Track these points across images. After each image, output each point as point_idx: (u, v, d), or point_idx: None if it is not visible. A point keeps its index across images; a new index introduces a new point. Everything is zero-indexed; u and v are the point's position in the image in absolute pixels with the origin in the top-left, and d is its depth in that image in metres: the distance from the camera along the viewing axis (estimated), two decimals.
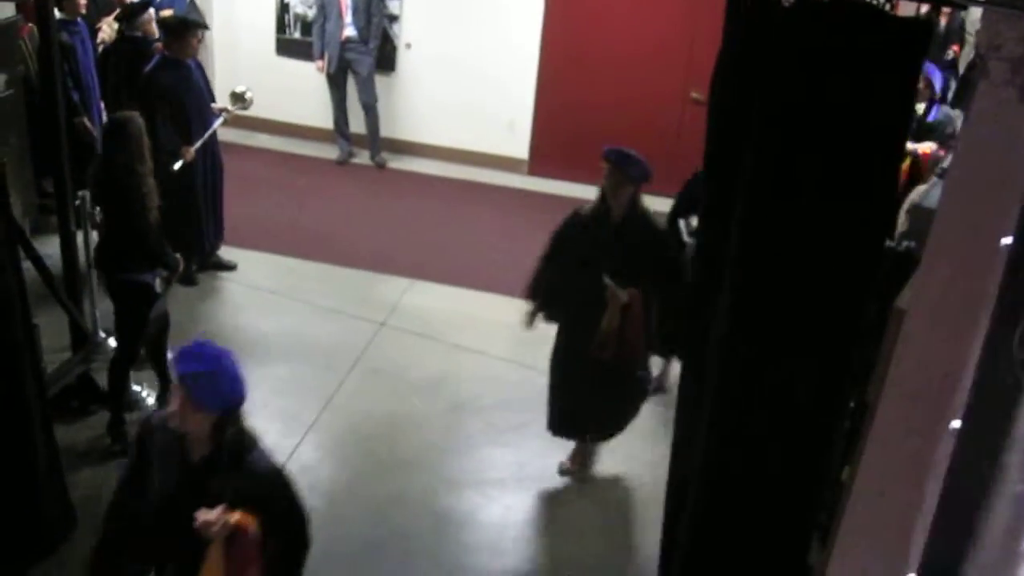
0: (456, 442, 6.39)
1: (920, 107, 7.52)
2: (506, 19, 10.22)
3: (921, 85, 7.60)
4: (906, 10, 4.77)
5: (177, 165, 7.08)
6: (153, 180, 5.64)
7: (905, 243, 4.22)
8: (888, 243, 3.95)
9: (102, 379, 6.31)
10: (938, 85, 7.61)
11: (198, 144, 7.26)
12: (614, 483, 6.18)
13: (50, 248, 6.61)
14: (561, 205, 10.13)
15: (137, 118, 5.63)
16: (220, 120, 7.61)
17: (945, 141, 7.02)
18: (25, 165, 7.86)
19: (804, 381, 3.41)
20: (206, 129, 7.38)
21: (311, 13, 10.53)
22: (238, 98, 7.77)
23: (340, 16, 10.05)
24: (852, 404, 3.79)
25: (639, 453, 6.26)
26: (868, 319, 3.29)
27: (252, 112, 8.50)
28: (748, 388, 3.48)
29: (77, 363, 6.28)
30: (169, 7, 9.60)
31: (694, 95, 9.76)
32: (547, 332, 7.71)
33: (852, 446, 3.54)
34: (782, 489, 3.65)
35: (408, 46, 10.59)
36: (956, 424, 2.82)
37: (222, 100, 7.94)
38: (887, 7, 3.02)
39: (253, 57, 10.76)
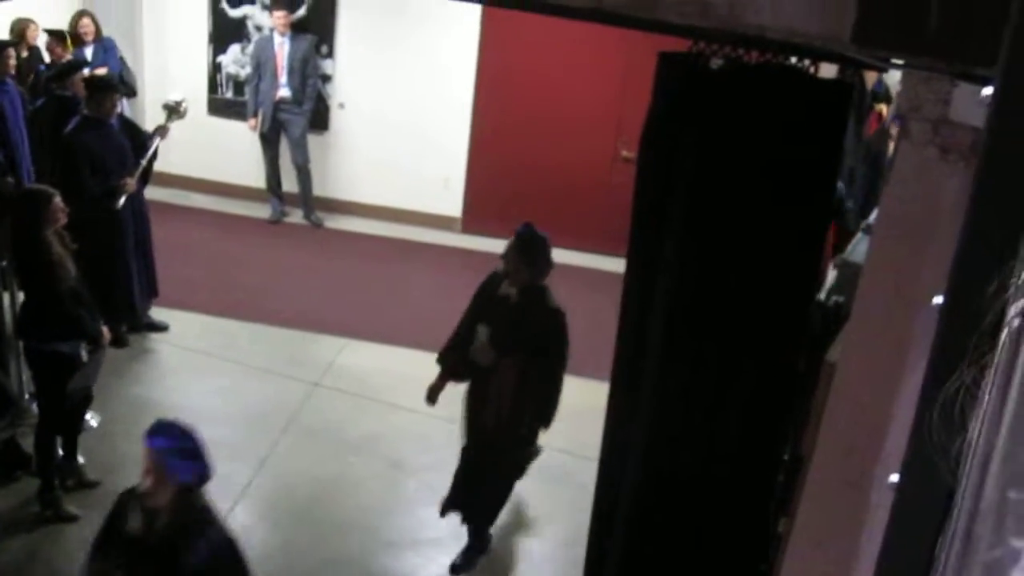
0: (393, 502, 6.34)
1: None
2: (439, 78, 10.32)
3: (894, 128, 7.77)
4: (829, 72, 4.93)
5: (121, 200, 7.02)
6: (63, 249, 5.56)
7: (834, 298, 4.31)
8: (817, 297, 4.03)
9: (28, 444, 6.17)
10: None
11: (137, 172, 7.20)
12: (554, 539, 6.16)
13: None
14: (494, 262, 10.23)
15: (49, 194, 5.59)
16: (158, 140, 7.56)
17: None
18: None
19: (735, 434, 3.45)
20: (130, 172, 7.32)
21: (243, 73, 10.54)
22: (173, 110, 7.73)
23: (275, 76, 10.07)
24: (786, 456, 3.83)
25: (577, 507, 6.25)
26: (799, 372, 3.35)
27: (183, 171, 8.46)
28: (678, 440, 3.51)
29: (2, 428, 6.13)
30: (103, 66, 9.57)
31: (624, 154, 9.92)
32: None
33: (788, 498, 3.58)
34: (714, 539, 3.67)
35: (341, 106, 10.64)
36: (894, 478, 2.87)
37: (152, 124, 7.88)
38: (811, 70, 3.11)
39: (187, 119, 10.69)
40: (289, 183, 10.59)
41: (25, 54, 8.78)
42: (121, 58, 9.80)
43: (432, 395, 5.74)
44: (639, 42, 7.56)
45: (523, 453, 5.77)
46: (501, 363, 5.32)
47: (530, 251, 5.43)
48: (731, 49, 3.07)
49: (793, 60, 3.15)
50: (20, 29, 8.88)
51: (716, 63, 3.10)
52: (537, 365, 5.38)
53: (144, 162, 7.31)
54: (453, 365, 5.64)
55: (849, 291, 4.00)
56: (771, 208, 3.06)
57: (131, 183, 7.15)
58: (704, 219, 3.13)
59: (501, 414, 5.41)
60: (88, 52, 9.65)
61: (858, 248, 5.03)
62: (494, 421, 5.44)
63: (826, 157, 3.08)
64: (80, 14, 9.67)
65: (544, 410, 5.55)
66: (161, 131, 7.64)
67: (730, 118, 3.01)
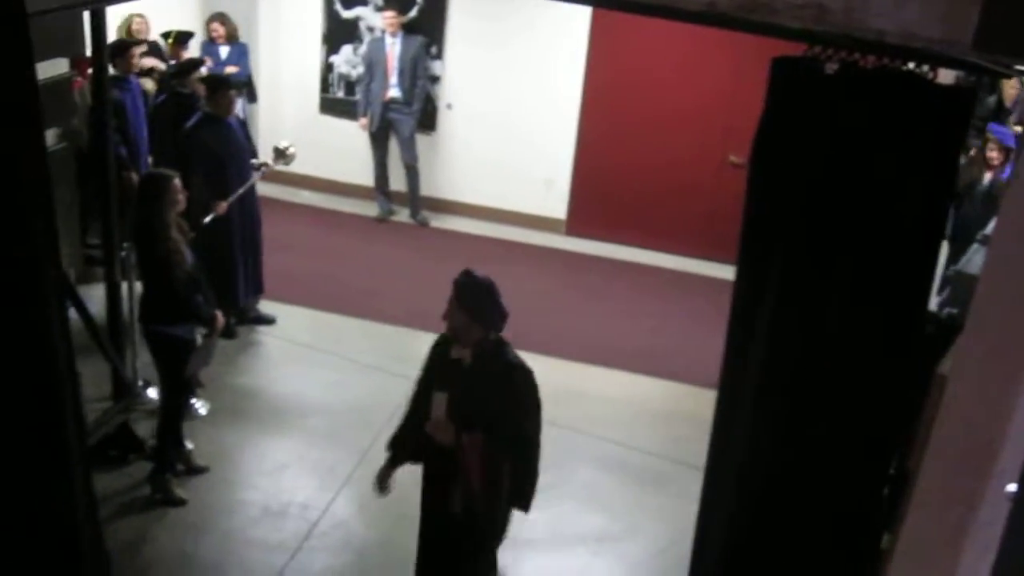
0: None
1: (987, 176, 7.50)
2: (546, 80, 10.35)
3: (995, 152, 7.57)
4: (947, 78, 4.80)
5: (208, 218, 7.20)
6: (180, 237, 5.72)
7: (947, 309, 4.21)
8: (930, 310, 3.93)
9: (140, 429, 6.39)
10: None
11: (232, 198, 7.37)
12: (649, 545, 6.12)
13: (94, 298, 6.72)
14: (597, 265, 10.26)
15: (168, 176, 5.75)
16: (258, 175, 7.74)
17: None
18: (73, 216, 8.02)
19: (843, 448, 3.39)
20: (244, 184, 7.50)
21: (354, 73, 10.74)
22: (280, 154, 7.90)
23: (385, 77, 10.23)
24: (892, 471, 3.76)
25: (672, 514, 6.21)
26: (909, 385, 3.27)
27: (294, 168, 8.64)
28: (784, 451, 3.47)
29: (117, 412, 6.35)
30: (235, 65, 9.90)
31: (732, 159, 9.81)
32: (581, 391, 7.75)
33: (893, 514, 3.50)
34: (818, 556, 3.62)
35: (449, 106, 10.74)
36: (1012, 488, 2.79)
37: (265, 156, 8.08)
38: (929, 75, 3.04)
39: (297, 115, 10.97)
40: (396, 182, 10.74)
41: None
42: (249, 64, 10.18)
43: (382, 482, 4.90)
44: (749, 45, 7.47)
45: (495, 537, 4.89)
46: (464, 439, 4.45)
47: (475, 303, 4.67)
48: (847, 54, 3.02)
49: (911, 65, 3.08)
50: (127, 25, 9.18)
51: (831, 68, 3.06)
52: (507, 435, 4.51)
53: (242, 190, 7.47)
54: (409, 449, 4.84)
55: (963, 303, 3.90)
56: (884, 216, 3.00)
57: (223, 206, 7.32)
58: (815, 227, 3.09)
59: (471, 499, 4.54)
60: (223, 52, 10.01)
61: (973, 259, 4.91)
62: (463, 507, 4.59)
63: (942, 165, 3.01)
64: (212, 17, 10.04)
65: (522, 487, 4.66)
66: (265, 168, 7.83)
67: (845, 124, 2.96)
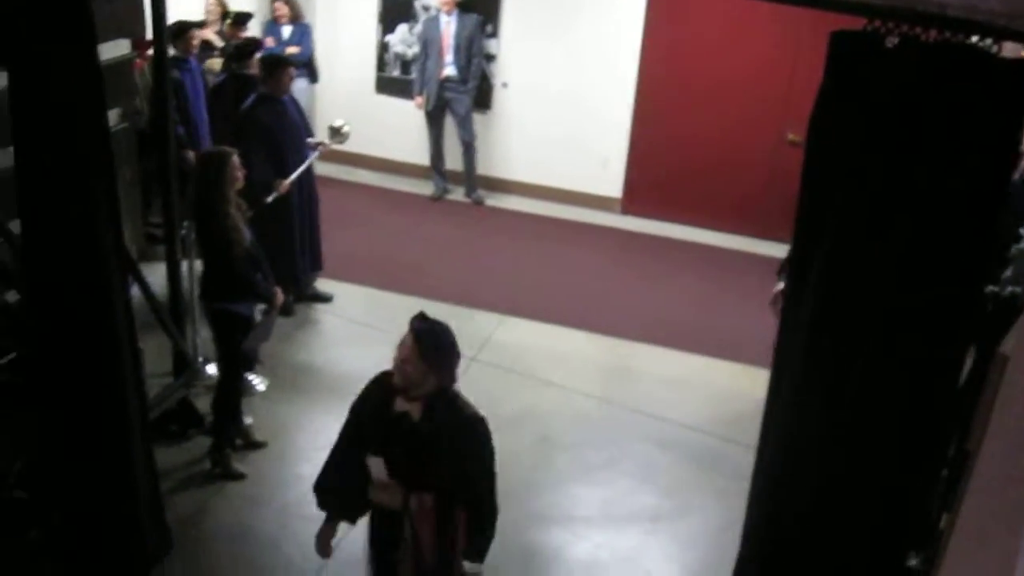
0: (544, 477, 6.40)
1: None
2: (602, 59, 10.29)
3: None
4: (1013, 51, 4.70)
5: (271, 198, 7.27)
6: (238, 214, 5.79)
7: (1010, 288, 4.13)
8: (991, 288, 3.87)
9: (200, 404, 6.50)
10: None
11: (293, 177, 7.43)
12: (704, 525, 6.11)
13: (155, 275, 6.84)
14: (652, 244, 10.22)
15: (226, 153, 5.81)
16: (316, 154, 7.80)
17: None
18: (135, 195, 8.15)
19: (902, 427, 3.36)
20: (301, 163, 7.56)
21: (410, 52, 10.76)
22: (335, 132, 7.94)
23: (440, 56, 10.24)
24: (952, 452, 3.71)
25: (727, 493, 6.19)
26: (968, 365, 3.23)
27: (350, 147, 8.70)
28: (834, 430, 3.44)
29: (178, 388, 6.46)
30: (297, 44, 10.00)
31: (791, 137, 9.70)
32: (635, 370, 7.74)
33: (951, 494, 3.46)
34: (874, 535, 3.59)
35: (504, 85, 10.73)
36: None
37: (320, 135, 8.14)
38: (993, 49, 2.98)
39: (353, 94, 11.03)
40: (452, 161, 10.76)
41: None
42: (312, 44, 10.26)
43: (324, 545, 4.42)
44: (810, 21, 7.36)
45: None
46: (413, 502, 4.08)
47: (437, 350, 4.03)
48: (908, 27, 2.97)
49: (974, 39, 3.02)
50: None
51: (891, 42, 3.01)
52: (465, 495, 4.12)
53: (302, 170, 7.52)
54: (341, 508, 4.35)
55: None
56: (942, 192, 2.95)
57: (285, 185, 7.38)
58: (871, 202, 3.05)
59: (422, 562, 4.18)
60: (285, 32, 10.11)
61: None
62: (413, 571, 4.23)
63: (1003, 140, 2.95)
64: None
65: (480, 546, 4.20)
66: (322, 147, 7.88)
67: (904, 98, 2.91)
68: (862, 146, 3.04)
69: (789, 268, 3.73)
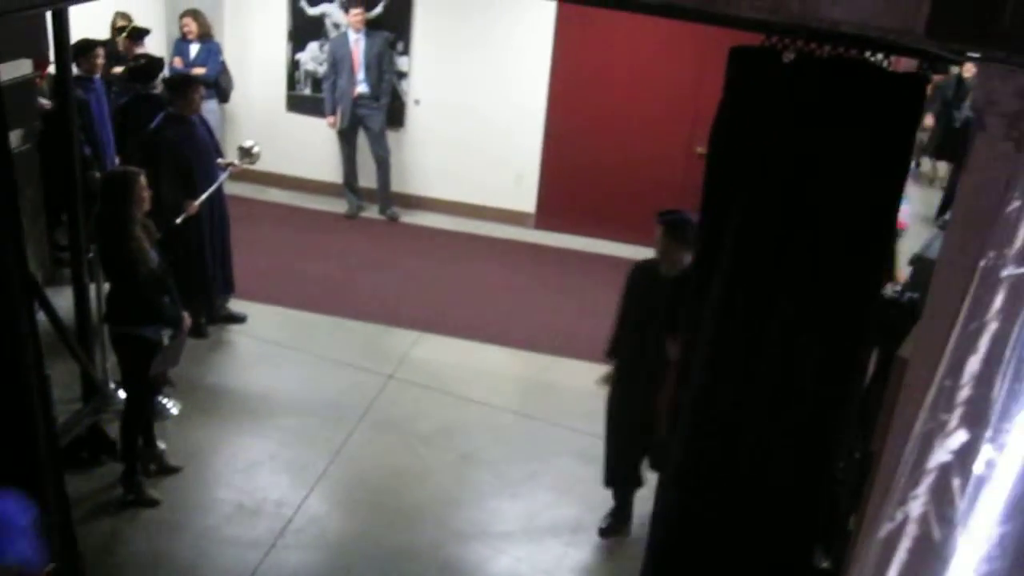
0: (465, 494, 6.41)
1: None
2: (513, 75, 10.38)
3: None
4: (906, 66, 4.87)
5: (180, 219, 7.17)
6: (145, 236, 5.71)
7: (908, 294, 4.27)
8: (891, 294, 3.99)
9: (112, 430, 6.37)
10: None
11: (202, 198, 7.35)
12: (625, 537, 6.16)
13: (62, 299, 6.69)
14: (567, 258, 10.31)
15: (132, 174, 5.73)
16: (226, 174, 7.73)
17: None
18: (39, 217, 7.97)
19: (807, 427, 3.44)
20: (211, 183, 7.48)
21: (321, 70, 10.71)
22: (246, 152, 7.88)
23: (352, 73, 10.22)
24: (858, 455, 3.81)
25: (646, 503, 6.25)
26: (868, 369, 3.32)
27: (262, 167, 8.63)
28: (735, 436, 3.51)
29: (87, 414, 6.33)
30: (202, 66, 9.85)
31: (699, 150, 9.87)
32: (554, 384, 7.79)
33: (860, 495, 3.55)
34: (780, 533, 3.66)
35: (417, 102, 10.75)
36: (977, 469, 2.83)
37: (231, 155, 8.07)
38: (885, 64, 3.09)
39: (264, 113, 10.93)
40: (365, 178, 10.74)
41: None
42: (223, 62, 10.11)
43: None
44: (716, 38, 7.51)
45: None
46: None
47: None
48: (804, 43, 3.06)
49: (867, 54, 3.13)
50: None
51: (788, 57, 3.10)
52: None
53: (212, 190, 7.45)
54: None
55: (924, 287, 3.96)
56: (839, 201, 3.05)
57: (195, 205, 7.30)
58: (771, 212, 3.13)
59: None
60: (192, 50, 9.95)
61: (934, 244, 4.97)
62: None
63: (897, 151, 3.06)
64: (184, 13, 9.97)
65: None
66: (232, 167, 7.82)
67: (801, 111, 3.01)
68: (761, 158, 3.13)
69: (694, 274, 3.81)
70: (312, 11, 10.72)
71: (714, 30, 3.95)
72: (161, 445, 6.31)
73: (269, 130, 10.34)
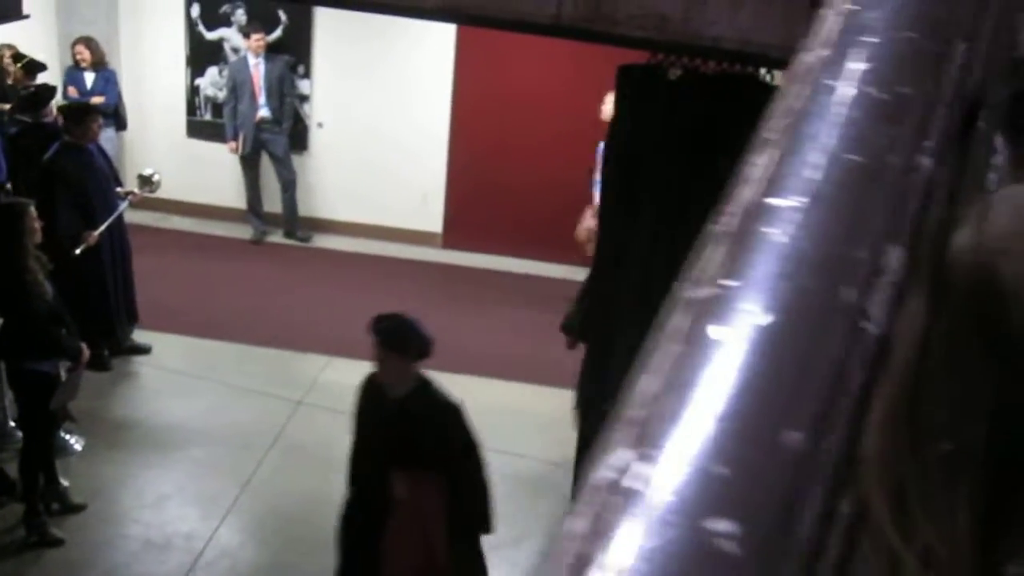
0: None
1: None
2: (415, 95, 10.39)
3: None
4: None
5: (79, 249, 7.03)
6: (38, 268, 5.60)
7: None
8: None
9: (12, 470, 6.19)
10: None
11: (102, 228, 7.22)
12: (538, 549, 6.19)
13: None
14: (475, 276, 10.33)
15: (22, 205, 5.63)
16: (125, 204, 7.60)
17: None
18: None
19: None
20: (110, 213, 7.35)
21: (221, 95, 10.59)
22: (145, 181, 7.78)
23: (253, 97, 10.13)
24: None
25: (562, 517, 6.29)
26: None
27: (164, 194, 8.51)
28: None
29: None
30: (100, 95, 9.64)
31: (591, 168, 9.99)
32: (467, 403, 7.77)
33: None
34: None
35: (320, 125, 10.70)
36: None
37: (130, 184, 7.94)
38: (768, 77, 3.18)
39: (165, 140, 10.77)
40: (269, 203, 10.64)
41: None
42: (119, 91, 9.93)
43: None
44: (618, 57, 7.62)
45: None
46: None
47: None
48: (689, 60, 3.14)
49: (752, 69, 3.22)
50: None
51: (675, 73, 3.17)
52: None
53: (111, 220, 7.33)
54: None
55: None
56: None
57: (94, 236, 7.17)
58: (664, 225, 3.20)
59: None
60: (88, 79, 9.72)
61: None
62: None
63: None
64: (76, 41, 9.74)
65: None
66: (131, 196, 7.71)
67: (687, 125, 3.08)
68: (651, 170, 3.19)
69: (590, 291, 3.87)
70: (210, 35, 10.60)
71: (617, 52, 4.02)
72: (64, 482, 6.15)
73: (170, 157, 10.19)
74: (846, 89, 0.42)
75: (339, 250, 10.57)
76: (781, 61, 3.15)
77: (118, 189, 7.63)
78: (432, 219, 10.79)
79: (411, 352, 4.60)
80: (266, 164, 10.49)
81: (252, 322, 8.73)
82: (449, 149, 10.54)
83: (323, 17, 10.34)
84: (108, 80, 9.86)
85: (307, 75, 10.54)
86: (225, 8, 10.48)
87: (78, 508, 6.13)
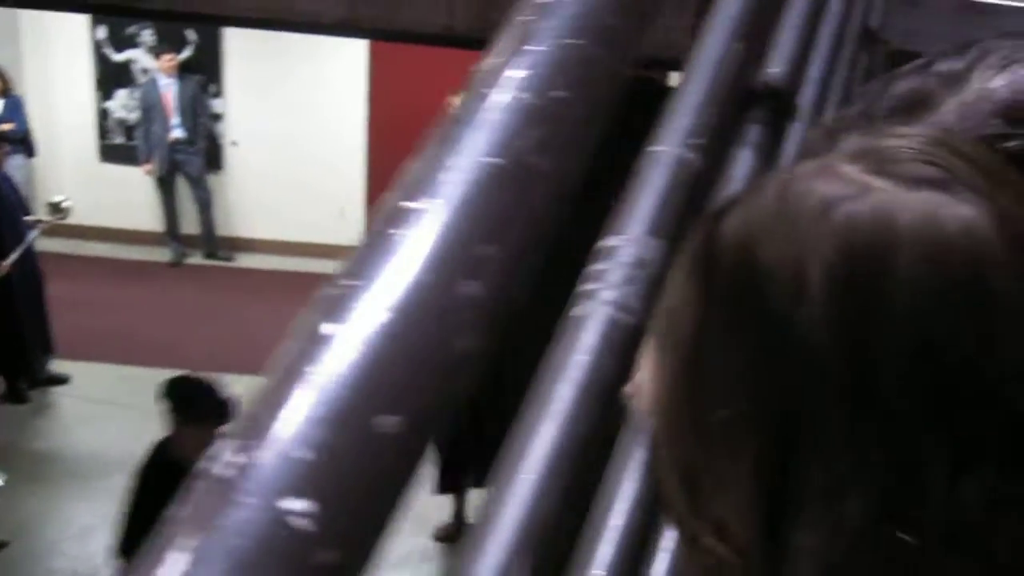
0: None
1: None
2: (330, 111, 10.35)
3: None
4: None
5: None
6: None
7: None
8: None
9: None
10: None
11: (12, 258, 7.09)
12: None
13: None
14: None
15: None
16: (35, 232, 7.47)
17: None
18: None
19: None
20: (19, 242, 7.22)
21: (132, 117, 10.44)
22: (55, 208, 7.65)
23: (166, 119, 10.00)
24: None
25: None
26: None
27: (77, 220, 8.36)
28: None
29: None
30: (8, 122, 9.42)
31: None
32: None
33: None
34: None
35: (234, 143, 10.60)
36: None
37: (40, 212, 7.81)
38: (664, 80, 3.24)
39: (76, 165, 10.59)
40: (187, 224, 10.52)
41: None
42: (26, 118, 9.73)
43: None
44: None
45: None
46: None
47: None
48: None
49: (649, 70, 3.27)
50: None
51: None
52: None
53: (22, 249, 7.20)
54: None
55: None
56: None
57: (4, 266, 7.05)
58: (560, 239, 3.23)
59: None
60: None
61: None
62: None
63: None
64: None
65: None
66: (41, 224, 7.58)
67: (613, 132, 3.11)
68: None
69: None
70: (118, 57, 10.45)
71: None
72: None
73: (82, 182, 10.03)
74: (499, 96, 0.45)
75: (260, 268, 10.48)
76: (673, 62, 3.21)
77: (26, 218, 7.49)
78: (350, 233, 10.73)
79: (210, 418, 4.24)
80: (182, 185, 10.37)
81: (173, 345, 8.61)
82: (366, 162, 10.51)
83: (232, 35, 10.24)
84: (15, 107, 9.66)
85: (219, 94, 10.45)
86: (131, 29, 10.34)
87: (2, 545, 6.01)
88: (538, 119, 0.45)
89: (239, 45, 10.30)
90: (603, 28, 0.52)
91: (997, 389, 0.55)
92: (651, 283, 0.74)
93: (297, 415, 0.31)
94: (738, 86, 1.00)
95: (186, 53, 10.23)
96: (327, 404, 0.31)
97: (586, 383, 0.66)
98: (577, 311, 0.72)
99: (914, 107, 0.87)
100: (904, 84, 0.90)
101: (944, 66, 0.88)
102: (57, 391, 7.84)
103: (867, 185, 0.58)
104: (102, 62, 10.48)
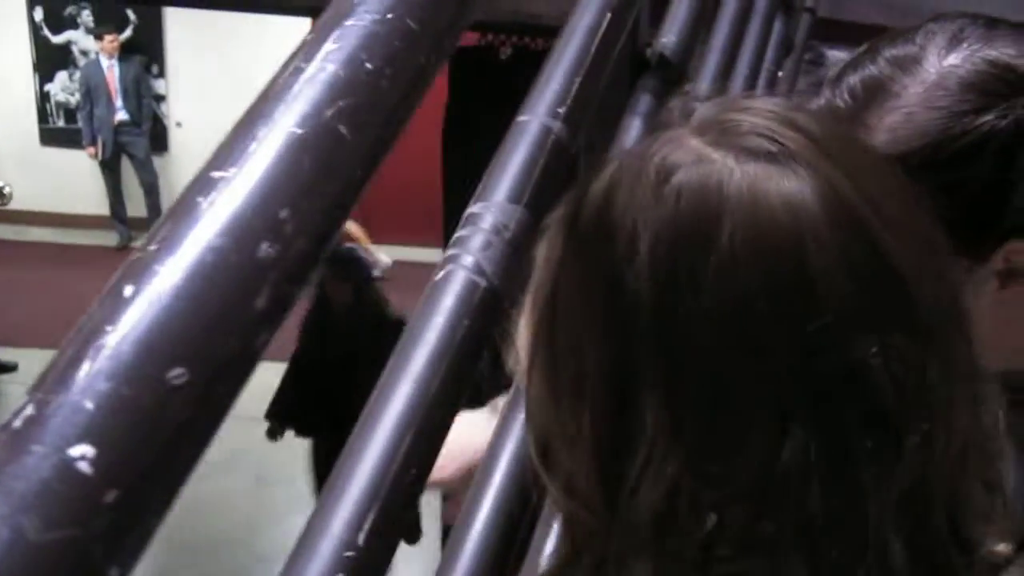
0: (262, 515, 6.34)
1: None
2: None
3: None
4: None
5: None
6: None
7: None
8: None
9: None
10: None
11: None
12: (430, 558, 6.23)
13: None
14: None
15: None
16: None
17: None
18: None
19: None
20: None
21: (73, 100, 10.29)
22: None
23: (110, 101, 9.87)
24: None
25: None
26: None
27: (19, 206, 8.27)
28: None
29: None
30: None
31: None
32: None
33: None
34: None
35: (179, 124, 10.49)
36: None
37: None
38: None
39: (16, 150, 10.42)
40: (133, 207, 10.40)
41: None
42: None
43: None
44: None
45: None
46: None
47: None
48: (518, 39, 3.20)
49: None
50: None
51: (505, 52, 3.23)
52: None
53: None
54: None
55: None
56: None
57: None
58: None
59: None
60: None
61: None
62: None
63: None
64: None
65: None
66: None
67: (520, 102, 3.13)
68: (489, 151, 3.24)
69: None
70: (56, 39, 10.29)
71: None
72: None
73: (24, 167, 9.88)
74: (310, 68, 0.47)
75: None
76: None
77: None
78: None
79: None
80: (127, 168, 10.25)
81: None
82: None
83: (173, 14, 10.12)
84: None
85: (161, 74, 10.33)
86: (70, 10, 10.18)
87: None
88: (345, 91, 0.47)
89: (180, 23, 10.18)
90: (419, 4, 0.54)
91: (810, 357, 0.58)
92: (509, 248, 0.76)
93: (86, 370, 0.33)
94: (613, 55, 1.02)
95: (127, 33, 10.09)
96: (115, 359, 0.33)
97: (439, 345, 0.68)
98: (438, 275, 0.74)
99: (873, 95, 0.88)
100: (856, 75, 0.91)
101: (892, 51, 0.89)
102: (5, 379, 7.77)
103: (704, 156, 0.61)
104: (40, 44, 10.30)
